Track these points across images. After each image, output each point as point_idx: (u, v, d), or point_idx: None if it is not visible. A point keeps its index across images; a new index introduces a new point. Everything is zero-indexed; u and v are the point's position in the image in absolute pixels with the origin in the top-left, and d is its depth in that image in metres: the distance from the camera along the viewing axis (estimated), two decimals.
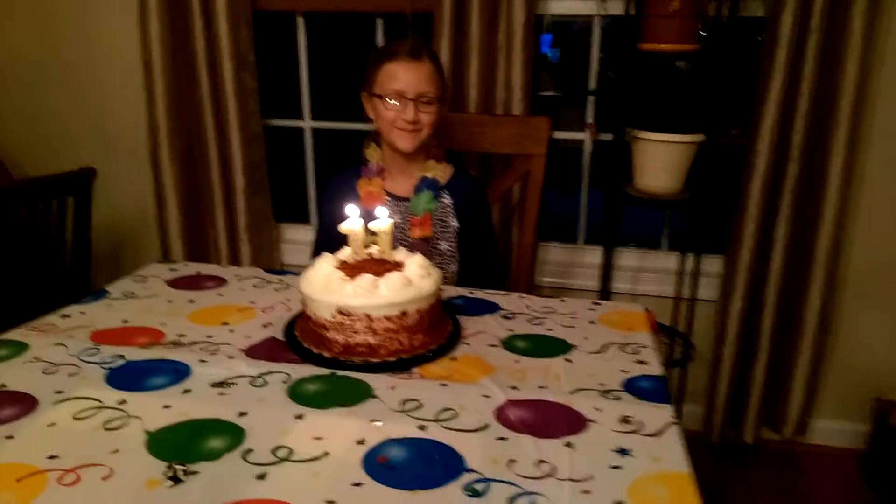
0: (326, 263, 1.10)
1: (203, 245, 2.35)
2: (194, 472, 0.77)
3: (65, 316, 1.21)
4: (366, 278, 1.02)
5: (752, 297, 1.96)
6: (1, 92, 2.43)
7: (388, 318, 1.02)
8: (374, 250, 1.15)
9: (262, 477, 0.76)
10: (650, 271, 2.17)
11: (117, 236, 2.50)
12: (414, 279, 1.05)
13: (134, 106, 2.27)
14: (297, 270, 1.23)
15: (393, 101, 1.44)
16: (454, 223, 1.54)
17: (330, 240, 1.24)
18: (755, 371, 2.02)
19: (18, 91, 2.42)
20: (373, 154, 1.57)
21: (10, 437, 0.84)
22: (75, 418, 0.88)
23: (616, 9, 1.94)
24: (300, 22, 2.29)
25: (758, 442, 2.12)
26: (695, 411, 2.15)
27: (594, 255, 2.19)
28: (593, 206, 2.23)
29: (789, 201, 1.83)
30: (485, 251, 1.61)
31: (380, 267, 1.08)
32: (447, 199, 1.54)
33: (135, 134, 2.32)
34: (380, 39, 2.24)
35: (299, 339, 1.09)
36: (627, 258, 2.19)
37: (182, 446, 0.82)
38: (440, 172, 1.54)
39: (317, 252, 1.44)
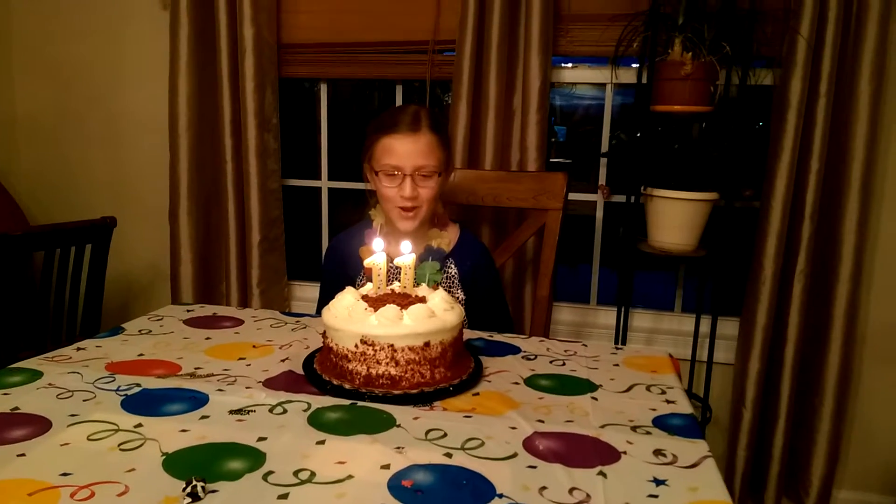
0: (350, 296, 1.09)
1: (214, 299, 2.34)
2: (213, 491, 0.73)
3: (80, 349, 1.20)
4: (390, 308, 1.01)
5: (771, 358, 1.93)
6: (23, 144, 2.51)
7: (412, 349, 1.00)
8: (396, 286, 1.15)
9: (284, 497, 0.73)
10: (665, 333, 2.15)
11: (128, 290, 2.50)
12: (437, 311, 1.04)
13: (154, 162, 2.33)
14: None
15: (390, 177, 1.39)
16: (460, 294, 1.48)
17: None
18: (775, 436, 1.96)
19: (41, 144, 2.50)
20: (377, 215, 1.52)
21: (23, 454, 0.81)
22: (90, 439, 0.85)
23: (628, 77, 2.02)
24: (323, 88, 2.38)
25: None
26: None
27: (608, 316, 2.18)
28: (604, 277, 2.25)
29: (804, 259, 1.83)
30: (496, 319, 1.52)
31: (403, 300, 1.07)
32: (452, 269, 1.49)
33: (153, 189, 2.36)
34: (399, 102, 2.32)
35: (319, 371, 1.07)
36: (641, 319, 2.18)
37: (200, 467, 0.78)
38: (445, 241, 1.49)
39: (319, 311, 1.38)
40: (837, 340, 1.86)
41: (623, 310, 1.99)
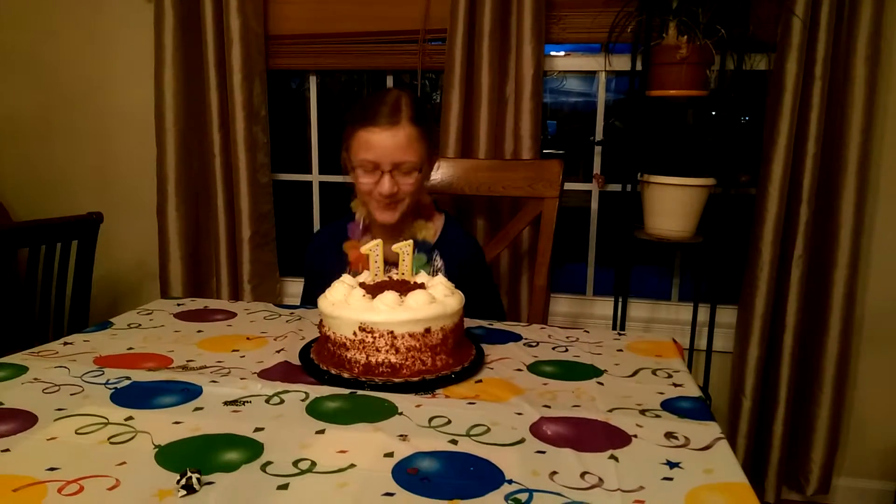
0: (346, 284, 1.06)
1: (204, 296, 2.30)
2: (210, 483, 0.70)
3: (66, 343, 1.16)
4: (389, 294, 0.98)
5: (770, 345, 1.91)
6: (7, 142, 2.45)
7: (412, 336, 0.97)
8: (394, 273, 1.11)
9: (284, 487, 0.70)
10: (662, 322, 2.13)
11: (116, 288, 2.45)
12: (438, 297, 1.01)
13: (140, 156, 2.28)
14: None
15: (367, 172, 1.31)
16: None
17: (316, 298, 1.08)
18: (774, 424, 1.94)
19: (24, 141, 2.44)
20: (359, 207, 1.44)
21: (7, 450, 0.77)
22: (78, 433, 0.82)
23: (620, 64, 2.00)
24: (312, 80, 2.34)
25: (779, 503, 2.02)
26: None
27: (604, 307, 2.16)
28: (596, 273, 2.22)
29: (802, 245, 1.82)
30: (488, 312, 1.39)
31: (402, 286, 1.04)
32: (439, 262, 1.41)
33: (140, 185, 2.31)
34: None
35: (316, 361, 1.03)
36: (638, 309, 2.16)
37: (195, 459, 0.75)
38: (430, 232, 1.42)
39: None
40: (836, 326, 1.85)
41: (621, 300, 1.97)
